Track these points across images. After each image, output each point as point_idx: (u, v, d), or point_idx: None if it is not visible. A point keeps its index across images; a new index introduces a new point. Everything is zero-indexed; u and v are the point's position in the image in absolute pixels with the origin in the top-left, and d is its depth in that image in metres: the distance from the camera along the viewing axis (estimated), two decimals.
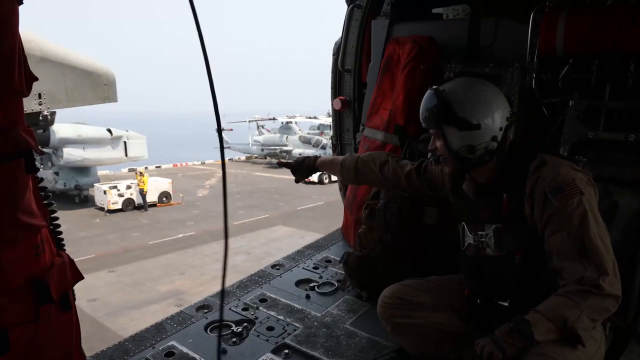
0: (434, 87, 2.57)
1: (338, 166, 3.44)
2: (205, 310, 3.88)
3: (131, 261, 21.60)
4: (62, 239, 2.25)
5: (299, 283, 4.37)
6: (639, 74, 3.46)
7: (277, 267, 4.71)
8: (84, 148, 30.30)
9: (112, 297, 17.68)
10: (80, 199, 32.51)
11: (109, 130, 31.41)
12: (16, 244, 1.69)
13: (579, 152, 3.47)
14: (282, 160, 3.82)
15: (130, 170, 43.11)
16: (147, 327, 3.64)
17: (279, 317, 3.79)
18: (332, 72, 5.73)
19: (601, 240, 2.25)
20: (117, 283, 19.21)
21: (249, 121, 53.50)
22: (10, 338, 1.67)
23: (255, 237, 24.16)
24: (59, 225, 2.23)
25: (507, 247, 2.55)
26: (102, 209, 30.77)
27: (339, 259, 4.44)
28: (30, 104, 3.73)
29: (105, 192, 30.39)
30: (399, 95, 4.52)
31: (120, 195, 30.66)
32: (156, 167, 46.97)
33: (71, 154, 29.90)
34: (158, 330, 3.60)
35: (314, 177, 33.76)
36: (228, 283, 4.35)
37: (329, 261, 4.84)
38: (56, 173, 31.54)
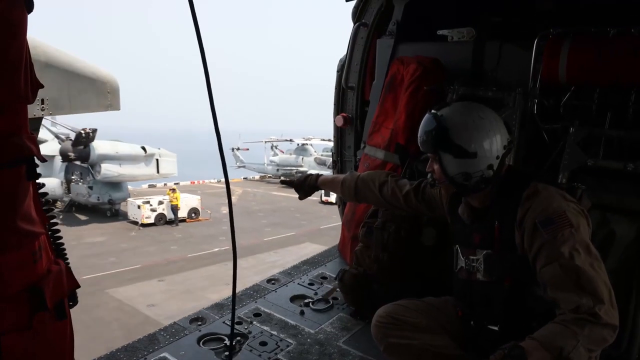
0: (433, 111, 2.58)
1: (339, 185, 3.49)
2: (199, 323, 3.86)
3: (177, 272, 23.08)
4: (63, 246, 2.24)
5: (293, 299, 4.35)
6: (639, 104, 3.49)
7: (273, 281, 4.70)
8: (120, 164, 32.57)
9: (168, 303, 18.54)
10: (111, 212, 34.31)
11: (143, 148, 33.85)
12: (14, 250, 1.69)
13: (578, 179, 3.48)
14: (284, 179, 3.84)
15: (150, 186, 44.79)
16: (140, 338, 3.62)
17: (273, 332, 3.77)
18: (336, 88, 5.75)
19: (594, 269, 2.22)
20: (169, 291, 20.47)
21: (265, 142, 56.18)
22: (3, 345, 1.66)
23: (287, 253, 25.14)
24: (58, 231, 2.22)
25: (496, 274, 2.55)
26: (134, 222, 32.53)
27: (334, 275, 4.43)
28: (32, 110, 3.73)
29: (139, 207, 32.23)
30: (401, 114, 4.55)
31: (153, 210, 32.46)
32: (174, 183, 47.87)
33: (108, 169, 32.07)
34: (150, 341, 3.58)
35: (332, 198, 34.23)
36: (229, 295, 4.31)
37: (324, 278, 4.82)
38: (90, 187, 33.06)
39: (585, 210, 2.42)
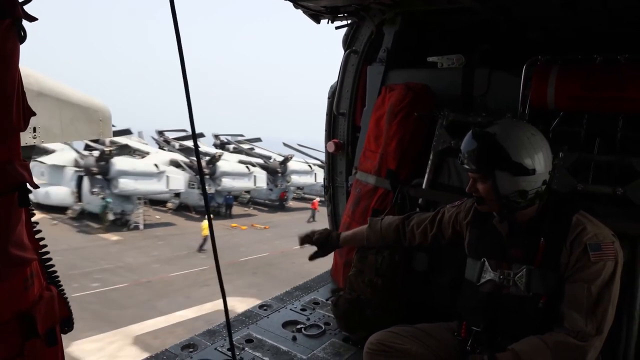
0: (483, 129, 2.60)
1: (363, 241, 3.70)
2: (191, 350, 3.82)
3: None
4: (55, 273, 2.20)
5: (286, 324, 4.32)
6: (627, 130, 3.55)
7: (265, 307, 4.66)
8: (299, 176, 46.94)
9: None
10: (282, 206, 47.46)
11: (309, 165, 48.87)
12: (5, 277, 1.68)
13: None
14: (304, 237, 3.83)
15: None
16: None
17: (265, 358, 3.74)
18: (327, 115, 5.79)
19: (612, 305, 2.41)
20: None
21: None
22: None
23: None
24: (49, 259, 2.18)
25: (535, 290, 2.58)
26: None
27: (327, 301, 4.40)
28: (24, 138, 3.74)
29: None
30: (392, 140, 4.58)
31: None
32: None
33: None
34: None
35: None
36: (217, 321, 4.29)
37: (317, 303, 4.80)
38: (270, 189, 45.57)
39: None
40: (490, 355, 2.49)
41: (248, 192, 45.45)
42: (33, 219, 1.97)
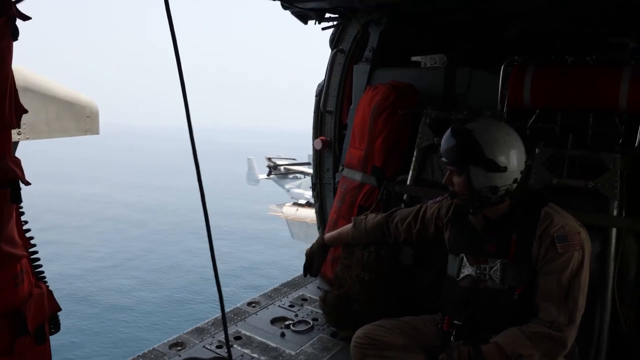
0: (462, 126, 2.70)
1: (349, 239, 3.81)
2: (179, 348, 3.84)
3: None
4: (42, 273, 2.23)
5: (274, 321, 4.36)
6: (597, 126, 3.69)
7: (253, 304, 4.69)
8: None
9: None
10: None
11: None
12: None
13: None
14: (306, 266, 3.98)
15: None
16: None
17: (253, 355, 3.78)
18: (314, 112, 5.85)
19: (583, 293, 2.51)
20: None
21: None
22: None
23: None
24: (38, 259, 2.20)
25: (509, 283, 2.67)
26: None
27: (315, 297, 4.44)
28: None
29: None
30: (377, 137, 4.65)
31: None
32: None
33: None
34: None
35: None
36: (205, 319, 4.33)
37: (305, 299, 4.84)
38: None
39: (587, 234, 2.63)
40: (475, 347, 2.56)
41: None
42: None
